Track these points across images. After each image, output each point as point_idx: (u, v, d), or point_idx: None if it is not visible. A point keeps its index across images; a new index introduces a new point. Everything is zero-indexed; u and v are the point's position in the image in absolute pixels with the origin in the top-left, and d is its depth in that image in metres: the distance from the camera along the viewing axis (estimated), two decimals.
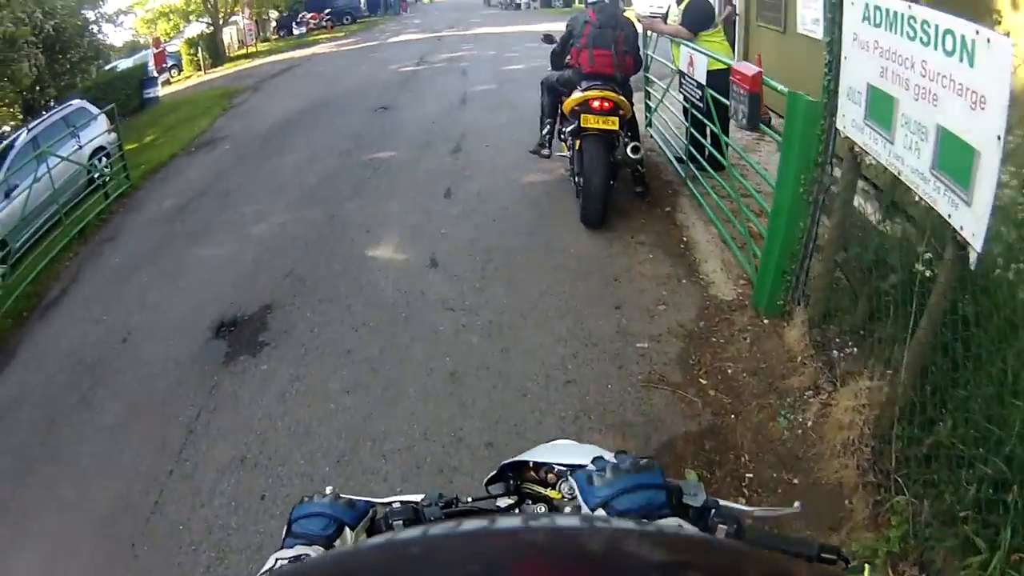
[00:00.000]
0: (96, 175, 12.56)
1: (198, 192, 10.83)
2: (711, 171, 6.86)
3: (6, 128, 20.07)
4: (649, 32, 9.07)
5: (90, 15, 23.15)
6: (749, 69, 5.16)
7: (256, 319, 6.45)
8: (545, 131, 8.06)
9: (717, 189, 6.67)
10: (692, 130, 7.39)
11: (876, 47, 3.57)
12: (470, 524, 0.65)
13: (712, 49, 7.15)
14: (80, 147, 12.39)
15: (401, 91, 15.78)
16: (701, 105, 6.62)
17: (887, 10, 3.41)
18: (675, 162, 8.15)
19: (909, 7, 3.22)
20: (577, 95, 7.01)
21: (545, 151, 8.07)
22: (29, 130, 13.11)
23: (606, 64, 7.21)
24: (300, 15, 40.61)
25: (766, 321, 5.05)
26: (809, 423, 4.04)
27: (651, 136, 9.38)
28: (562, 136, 7.76)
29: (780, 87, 4.78)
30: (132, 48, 38.12)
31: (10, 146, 12.75)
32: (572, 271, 6.27)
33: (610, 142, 6.96)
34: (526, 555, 0.61)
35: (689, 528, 1.08)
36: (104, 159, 13.33)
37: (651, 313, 5.52)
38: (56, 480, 5.19)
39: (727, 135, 6.51)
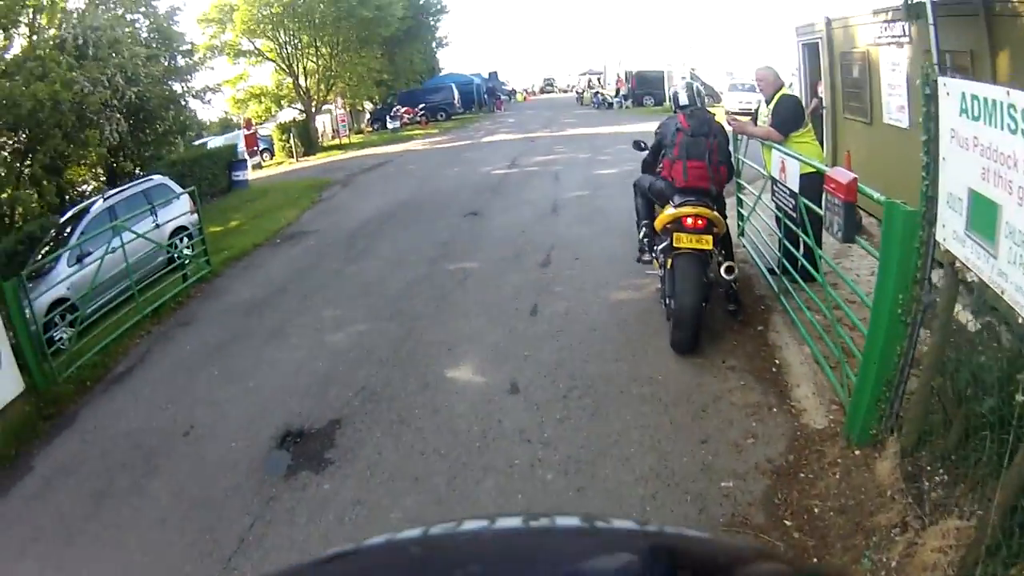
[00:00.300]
0: (176, 255, 13.04)
1: (278, 288, 11.13)
2: (803, 284, 6.89)
3: (87, 188, 21.29)
4: (739, 135, 9.16)
5: (177, 87, 24.24)
6: (844, 176, 5.04)
7: (323, 434, 6.52)
8: (643, 234, 8.00)
9: (810, 303, 6.67)
10: (785, 242, 7.30)
11: (976, 144, 3.35)
12: (470, 524, 0.68)
13: (803, 151, 7.19)
14: (157, 225, 12.87)
15: (492, 195, 16.16)
16: (794, 215, 6.53)
17: (985, 99, 3.21)
18: (767, 274, 8.12)
19: (1008, 93, 3.02)
20: (670, 211, 6.96)
21: (647, 257, 7.98)
22: (106, 199, 13.72)
23: (701, 176, 7.15)
24: (395, 109, 41.67)
25: (857, 452, 4.89)
26: (894, 563, 3.84)
27: (743, 245, 9.42)
28: (653, 253, 7.67)
29: (876, 195, 4.73)
30: (224, 126, 39.69)
31: (85, 210, 13.38)
32: (659, 401, 6.22)
33: (704, 261, 6.87)
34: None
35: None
36: (185, 239, 13.89)
37: (739, 448, 5.42)
38: (95, 560, 5.37)
39: (820, 245, 6.46)
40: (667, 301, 7.06)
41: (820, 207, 5.69)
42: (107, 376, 9.02)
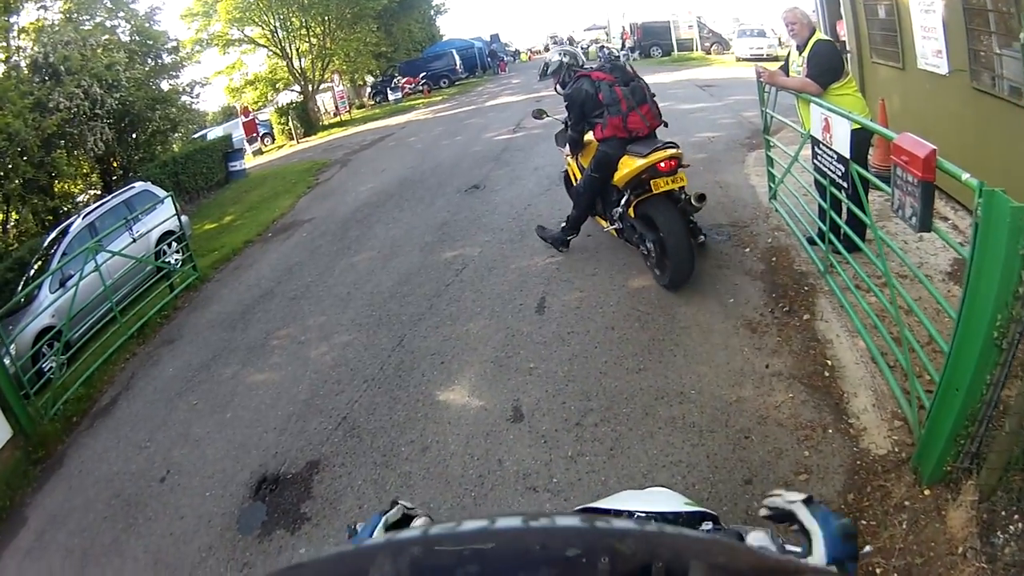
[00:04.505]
0: (160, 264, 12.39)
1: (264, 292, 10.37)
2: (846, 255, 6.04)
3: (83, 198, 20.83)
4: (767, 86, 7.97)
5: (164, 85, 23.92)
6: (919, 147, 3.73)
7: (300, 480, 5.68)
8: (568, 238, 8.20)
9: (859, 281, 5.73)
10: (831, 213, 6.24)
11: None
12: (470, 524, 0.71)
13: (844, 105, 6.10)
14: (133, 239, 12.10)
15: (495, 165, 14.93)
16: (845, 184, 5.53)
17: None
18: (808, 246, 7.11)
19: None
20: (638, 162, 6.92)
21: (564, 248, 8.32)
22: (84, 216, 13.10)
23: (652, 119, 7.31)
24: (395, 80, 40.85)
25: (927, 492, 3.94)
26: None
27: (776, 210, 8.34)
28: (611, 214, 7.68)
29: (964, 175, 3.43)
30: (227, 116, 39.12)
31: (64, 231, 12.79)
32: (691, 426, 5.08)
33: (675, 197, 7.06)
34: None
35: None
36: (174, 243, 13.23)
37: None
38: None
39: (866, 211, 5.32)
40: (648, 247, 7.08)
41: (866, 167, 5.13)
42: (92, 409, 8.66)
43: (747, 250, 7.56)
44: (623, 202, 7.30)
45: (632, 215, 7.26)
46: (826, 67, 6.53)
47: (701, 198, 7.01)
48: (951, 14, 6.86)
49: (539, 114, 8.95)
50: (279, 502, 5.55)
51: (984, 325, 3.35)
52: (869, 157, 7.01)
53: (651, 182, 6.91)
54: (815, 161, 6.23)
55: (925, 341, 4.76)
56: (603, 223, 8.08)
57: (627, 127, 7.17)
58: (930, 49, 7.40)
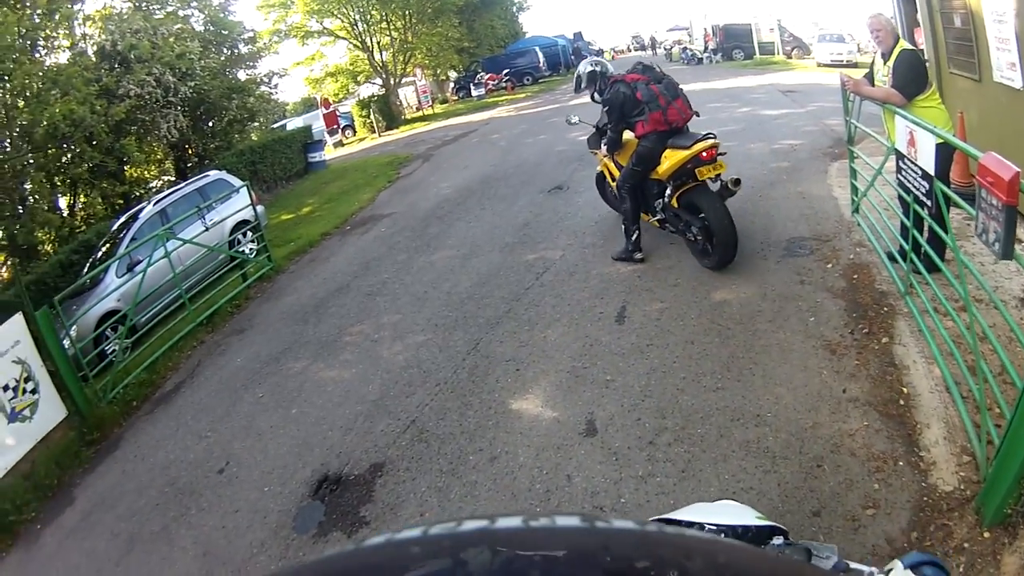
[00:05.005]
0: (234, 254, 12.47)
1: (340, 286, 10.34)
2: (926, 275, 5.80)
3: (156, 183, 21.20)
4: (852, 95, 7.71)
5: (241, 75, 24.21)
6: (1003, 168, 3.54)
7: (362, 482, 5.58)
8: (635, 236, 8.41)
9: (937, 304, 5.49)
10: (914, 231, 5.94)
11: None
12: (470, 524, 0.66)
13: (928, 117, 5.82)
14: (206, 228, 12.18)
15: (579, 166, 14.53)
16: (928, 203, 5.28)
17: None
18: (889, 263, 6.82)
19: None
20: (680, 153, 7.53)
21: (639, 255, 8.43)
22: (156, 202, 13.25)
23: (686, 111, 7.90)
24: (478, 76, 40.96)
25: (987, 535, 3.77)
26: None
27: (858, 224, 8.04)
28: (654, 206, 8.18)
29: None
30: (308, 106, 39.57)
31: (135, 216, 12.95)
32: (765, 451, 4.87)
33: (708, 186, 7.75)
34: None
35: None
36: (249, 233, 13.31)
37: (855, 521, 4.13)
38: None
39: (947, 229, 5.03)
40: (694, 232, 7.70)
41: (948, 182, 5.13)
42: (154, 395, 8.71)
43: (829, 266, 7.34)
44: (667, 193, 7.87)
45: (675, 205, 7.86)
46: (911, 77, 6.29)
47: (737, 182, 7.67)
48: (1023, 25, 6.55)
49: (571, 121, 9.77)
50: (339, 503, 5.46)
51: None
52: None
53: (696, 171, 7.52)
54: (899, 176, 6.02)
55: (998, 371, 4.58)
56: (646, 217, 8.54)
57: (667, 120, 7.73)
58: (1005, 61, 7.08)
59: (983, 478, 4.08)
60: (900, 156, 5.87)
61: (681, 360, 6.19)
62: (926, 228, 5.89)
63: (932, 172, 5.10)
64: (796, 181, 10.45)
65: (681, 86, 7.91)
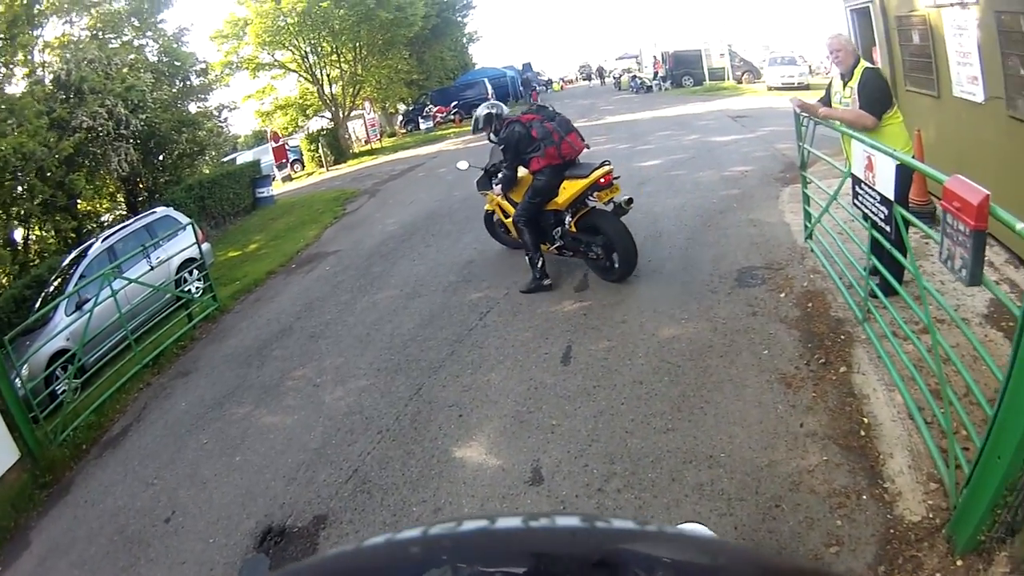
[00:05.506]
0: (179, 294, 12.33)
1: (284, 328, 10.20)
2: (883, 298, 5.83)
3: (106, 218, 20.91)
4: (804, 119, 7.81)
5: (193, 108, 24.05)
6: (972, 193, 3.41)
7: (306, 535, 5.46)
8: (540, 264, 8.83)
9: (896, 328, 5.48)
10: (872, 257, 5.94)
11: None
12: (470, 524, 0.71)
13: (890, 135, 6.02)
14: (151, 267, 12.03)
15: None
16: (888, 229, 5.21)
17: None
18: (846, 290, 6.82)
19: None
20: (580, 182, 8.24)
21: (547, 281, 8.88)
22: (104, 239, 13.11)
23: (578, 144, 8.44)
24: (427, 108, 41.05)
25: (959, 563, 3.71)
26: None
27: (812, 250, 8.11)
28: (552, 235, 8.73)
29: (1018, 224, 3.16)
30: (259, 139, 39.40)
31: (83, 253, 12.80)
32: (720, 494, 4.79)
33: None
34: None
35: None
36: (195, 271, 13.07)
37: (818, 560, 4.10)
38: None
39: (906, 253, 5.04)
40: (596, 251, 8.48)
41: (907, 204, 5.20)
42: (102, 438, 8.55)
43: (782, 295, 7.35)
44: (567, 220, 8.53)
45: (574, 230, 8.55)
46: (877, 96, 6.30)
47: (630, 201, 8.43)
48: (986, 37, 6.68)
49: (461, 167, 10.62)
50: (283, 556, 5.33)
51: None
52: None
53: (596, 195, 8.32)
54: (856, 201, 5.93)
55: (963, 392, 4.60)
56: (543, 247, 8.97)
57: (561, 154, 8.30)
58: (966, 75, 7.25)
59: (953, 505, 4.04)
60: (857, 181, 5.79)
61: (629, 401, 6.09)
62: (884, 252, 5.78)
63: (892, 197, 5.03)
64: (747, 208, 10.56)
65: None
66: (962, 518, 3.81)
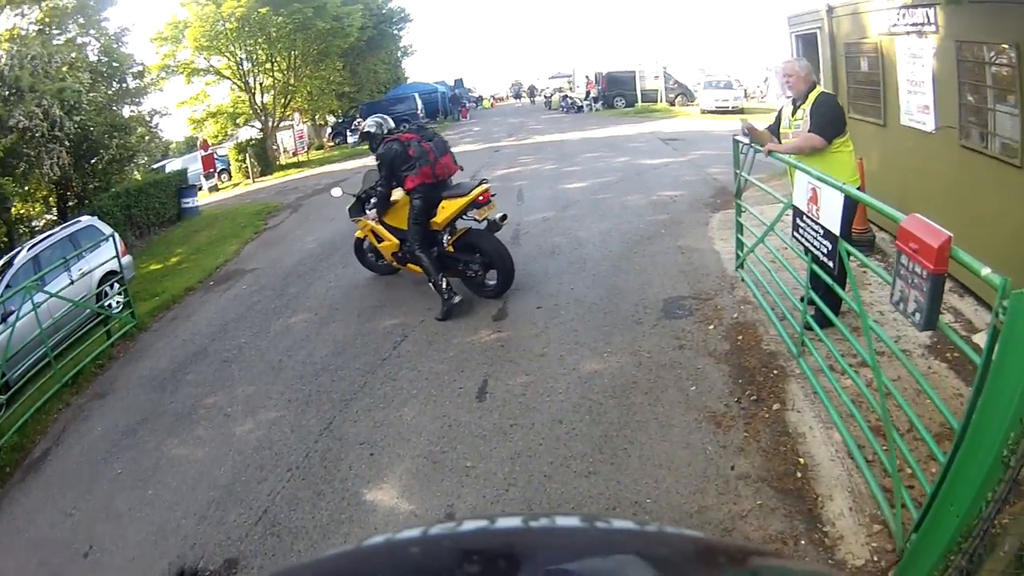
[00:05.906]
0: (98, 309, 12.02)
1: (198, 350, 10.01)
2: (819, 331, 5.72)
3: (38, 223, 20.32)
4: (743, 147, 7.75)
5: (126, 112, 23.64)
6: (932, 235, 3.19)
7: None
8: (445, 284, 8.87)
9: (833, 362, 5.51)
10: (810, 291, 5.89)
11: None
12: (470, 524, 0.74)
13: (838, 162, 6.08)
14: (71, 281, 11.61)
15: None
16: (831, 265, 5.11)
17: None
18: (779, 322, 6.81)
19: None
20: (460, 200, 8.63)
21: (457, 298, 8.95)
22: (30, 248, 12.72)
23: (451, 166, 8.93)
24: (355, 122, 40.82)
25: None
26: None
27: (743, 279, 8.13)
28: (432, 255, 8.90)
29: (984, 271, 3.01)
30: (191, 146, 38.83)
31: (9, 263, 12.39)
32: None
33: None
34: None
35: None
36: (116, 285, 12.79)
37: None
38: None
39: (843, 284, 5.16)
40: (475, 269, 8.90)
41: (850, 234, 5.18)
42: (25, 461, 8.30)
43: (711, 327, 7.32)
44: (445, 239, 8.90)
45: (451, 250, 8.91)
46: (830, 118, 6.32)
47: (504, 218, 8.95)
48: (943, 67, 6.76)
49: (334, 195, 10.92)
50: None
51: (996, 442, 2.98)
52: None
53: (475, 212, 8.65)
54: (796, 234, 5.84)
55: (906, 428, 4.56)
56: (412, 268, 9.53)
57: (435, 174, 8.66)
58: (916, 104, 7.36)
59: (900, 548, 3.93)
60: (799, 213, 5.66)
61: (548, 442, 5.93)
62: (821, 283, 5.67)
63: (837, 232, 4.93)
64: (675, 235, 10.61)
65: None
66: (912, 563, 3.67)
